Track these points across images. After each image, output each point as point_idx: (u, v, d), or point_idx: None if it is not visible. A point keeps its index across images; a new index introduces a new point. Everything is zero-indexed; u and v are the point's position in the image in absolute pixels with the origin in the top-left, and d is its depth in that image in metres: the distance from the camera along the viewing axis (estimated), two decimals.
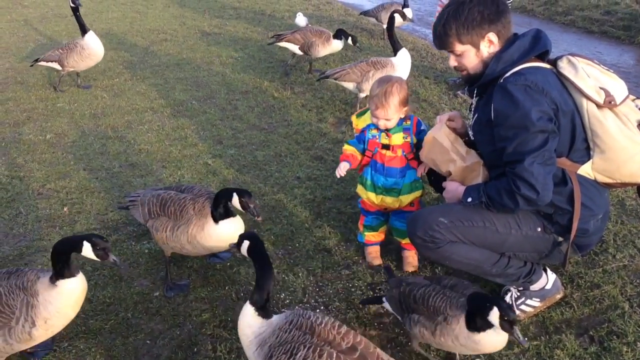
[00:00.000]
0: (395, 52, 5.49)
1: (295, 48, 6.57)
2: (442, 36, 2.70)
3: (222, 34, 8.85)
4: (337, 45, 6.53)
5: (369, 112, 3.35)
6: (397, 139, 3.26)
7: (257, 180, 4.51)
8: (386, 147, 3.27)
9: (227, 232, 3.01)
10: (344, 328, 2.24)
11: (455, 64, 2.77)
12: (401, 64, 5.43)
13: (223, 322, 3.04)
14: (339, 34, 6.51)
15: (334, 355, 2.09)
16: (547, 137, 2.49)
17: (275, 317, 2.36)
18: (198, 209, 3.11)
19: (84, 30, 6.19)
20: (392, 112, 3.18)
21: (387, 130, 3.25)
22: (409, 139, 3.27)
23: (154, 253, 3.62)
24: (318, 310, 3.08)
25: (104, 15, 10.05)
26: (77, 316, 3.04)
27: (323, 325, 2.23)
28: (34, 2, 11.20)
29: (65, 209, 4.14)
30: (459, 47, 2.68)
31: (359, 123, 3.41)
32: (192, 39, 8.62)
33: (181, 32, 9.00)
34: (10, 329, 2.47)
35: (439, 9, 6.36)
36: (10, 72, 7.13)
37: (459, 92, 6.06)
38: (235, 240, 2.53)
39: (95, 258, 2.61)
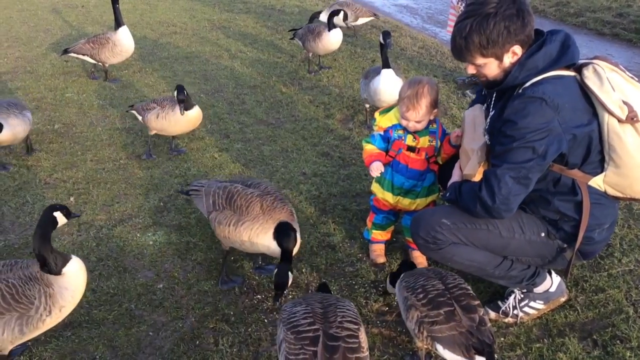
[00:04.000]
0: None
1: None
2: (463, 50, 2.58)
3: (232, 28, 8.84)
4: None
5: (393, 110, 3.29)
6: (423, 142, 3.22)
7: (263, 175, 4.51)
8: (412, 149, 3.23)
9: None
10: (353, 325, 2.25)
11: (474, 72, 2.68)
12: (380, 85, 4.90)
13: (225, 316, 3.05)
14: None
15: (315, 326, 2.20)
16: (534, 157, 2.45)
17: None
18: (266, 207, 3.07)
19: (118, 24, 6.17)
20: (423, 114, 3.13)
21: (414, 133, 3.21)
22: (434, 143, 3.23)
23: (158, 245, 3.63)
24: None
25: None
26: (81, 306, 3.08)
27: (337, 309, 2.31)
28: None
29: (71, 199, 4.15)
30: (480, 60, 2.59)
31: (382, 121, 3.31)
32: (201, 33, 8.62)
33: (191, 25, 9.00)
34: (28, 318, 2.52)
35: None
36: (20, 62, 7.16)
37: (467, 91, 6.03)
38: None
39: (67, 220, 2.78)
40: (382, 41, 4.93)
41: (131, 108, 4.87)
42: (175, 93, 4.45)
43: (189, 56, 7.49)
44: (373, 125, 3.35)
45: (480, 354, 2.27)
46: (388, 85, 4.85)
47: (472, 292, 2.53)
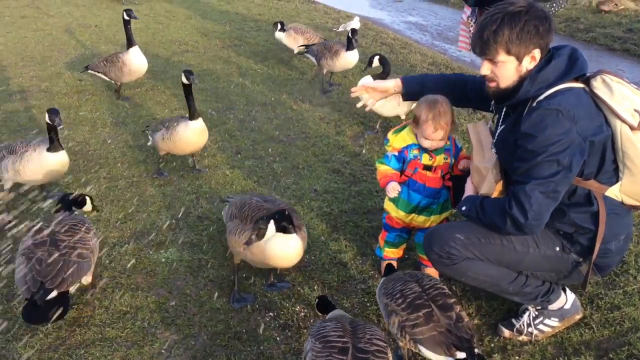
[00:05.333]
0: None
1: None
2: (490, 41, 2.53)
3: (243, 46, 8.93)
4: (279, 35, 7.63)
5: (405, 130, 3.28)
6: (439, 160, 3.22)
7: (275, 192, 4.52)
8: (428, 167, 3.22)
9: (280, 249, 2.96)
10: (382, 343, 2.31)
11: (488, 72, 2.65)
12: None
13: (238, 333, 3.05)
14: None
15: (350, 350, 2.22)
16: (559, 170, 2.45)
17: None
18: None
19: (129, 44, 6.29)
20: (447, 132, 3.14)
21: (430, 152, 3.21)
22: (448, 160, 3.23)
23: (171, 262, 3.64)
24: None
25: None
26: (94, 324, 3.10)
27: (366, 328, 2.37)
28: (59, 12, 11.42)
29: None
30: (502, 57, 2.57)
31: (395, 141, 3.29)
32: (212, 51, 8.71)
33: (202, 44, 9.10)
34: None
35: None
36: (34, 80, 7.26)
37: None
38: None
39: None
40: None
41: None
42: (182, 76, 4.49)
43: (200, 74, 7.56)
44: (386, 146, 3.34)
45: (461, 349, 2.38)
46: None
47: (447, 290, 2.64)
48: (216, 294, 3.34)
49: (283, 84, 7.12)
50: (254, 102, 6.54)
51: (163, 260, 3.67)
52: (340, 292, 3.37)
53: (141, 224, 4.09)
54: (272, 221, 2.89)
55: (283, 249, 2.93)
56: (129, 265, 3.61)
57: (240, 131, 5.74)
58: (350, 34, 6.47)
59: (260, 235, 2.87)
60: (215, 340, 3.00)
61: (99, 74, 6.46)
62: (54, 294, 2.82)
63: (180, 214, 4.21)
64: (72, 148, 5.33)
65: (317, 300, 2.88)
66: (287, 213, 2.94)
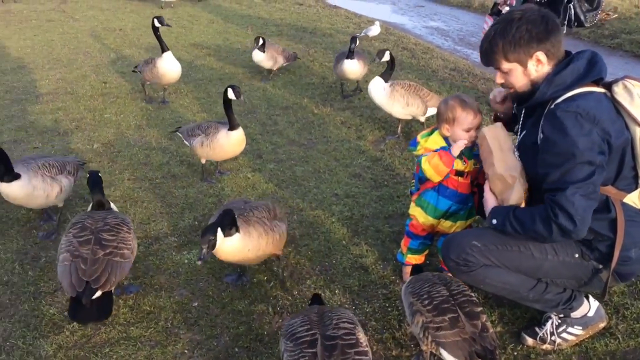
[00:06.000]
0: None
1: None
2: (488, 52, 2.67)
3: None
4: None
5: (435, 133, 3.26)
6: (470, 165, 3.21)
7: (296, 196, 4.54)
8: (460, 173, 3.20)
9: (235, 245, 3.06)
10: (349, 325, 2.37)
11: (502, 81, 2.73)
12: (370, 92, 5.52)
13: (259, 335, 3.06)
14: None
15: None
16: (594, 170, 2.42)
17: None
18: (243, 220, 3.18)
19: (163, 49, 6.41)
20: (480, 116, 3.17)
21: (464, 156, 3.18)
22: (478, 166, 3.22)
23: (193, 264, 3.68)
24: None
25: (150, 30, 10.35)
26: (118, 323, 3.14)
27: (332, 314, 2.44)
28: (84, 15, 11.64)
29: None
30: (505, 65, 2.64)
31: (427, 143, 3.26)
32: (234, 54, 8.79)
33: (224, 48, 9.19)
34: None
35: (486, 27, 6.33)
36: (60, 83, 7.41)
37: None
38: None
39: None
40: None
41: (177, 130, 4.99)
42: (230, 92, 4.52)
43: (222, 78, 7.64)
44: (413, 151, 3.32)
45: (483, 359, 2.37)
46: (372, 94, 5.53)
47: (475, 298, 2.62)
48: (238, 296, 3.37)
49: (304, 88, 7.16)
50: (275, 106, 6.58)
51: (185, 261, 3.71)
52: (361, 297, 3.37)
53: (164, 225, 4.14)
54: (219, 229, 2.94)
55: (231, 247, 3.05)
56: (152, 266, 3.66)
57: (262, 135, 5.78)
58: (350, 43, 6.41)
59: (211, 246, 2.92)
60: (237, 342, 3.03)
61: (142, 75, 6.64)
62: (98, 293, 2.86)
63: (203, 215, 4.25)
64: (97, 150, 5.42)
65: (312, 297, 2.89)
66: (229, 215, 3.01)
